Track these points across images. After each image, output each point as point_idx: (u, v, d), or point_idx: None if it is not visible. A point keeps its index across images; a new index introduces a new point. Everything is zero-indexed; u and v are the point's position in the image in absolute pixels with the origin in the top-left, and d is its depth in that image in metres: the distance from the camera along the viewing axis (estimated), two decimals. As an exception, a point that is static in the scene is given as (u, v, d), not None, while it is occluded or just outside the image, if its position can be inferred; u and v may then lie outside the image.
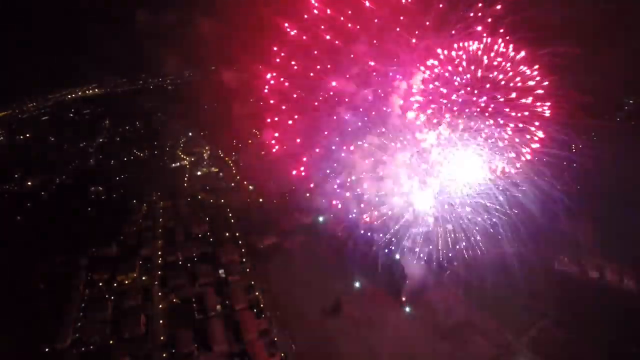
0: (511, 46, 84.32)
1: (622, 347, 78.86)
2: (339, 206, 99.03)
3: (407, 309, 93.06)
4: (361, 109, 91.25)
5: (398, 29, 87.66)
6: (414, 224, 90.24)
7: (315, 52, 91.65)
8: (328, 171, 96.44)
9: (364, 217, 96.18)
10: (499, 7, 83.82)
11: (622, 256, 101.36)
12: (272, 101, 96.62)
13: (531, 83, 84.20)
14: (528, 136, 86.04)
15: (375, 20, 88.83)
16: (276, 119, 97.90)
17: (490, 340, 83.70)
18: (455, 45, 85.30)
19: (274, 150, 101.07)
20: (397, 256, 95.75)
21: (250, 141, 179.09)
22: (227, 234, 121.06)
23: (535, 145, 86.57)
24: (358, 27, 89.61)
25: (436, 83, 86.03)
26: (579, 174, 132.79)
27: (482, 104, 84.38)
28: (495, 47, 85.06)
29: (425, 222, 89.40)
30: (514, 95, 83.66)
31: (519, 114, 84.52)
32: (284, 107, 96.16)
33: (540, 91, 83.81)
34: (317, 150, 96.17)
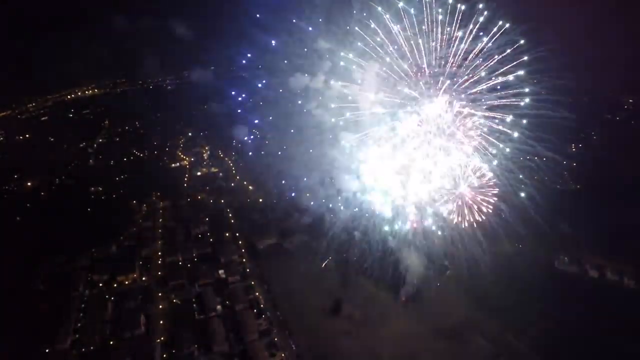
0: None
1: (622, 347, 78.89)
2: (328, 204, 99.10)
3: (407, 309, 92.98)
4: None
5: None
6: (398, 221, 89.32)
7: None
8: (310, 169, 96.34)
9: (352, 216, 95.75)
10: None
11: (622, 255, 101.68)
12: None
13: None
14: (517, 133, 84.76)
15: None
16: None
17: (490, 341, 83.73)
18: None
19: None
20: (395, 256, 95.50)
21: (248, 140, 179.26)
22: (227, 234, 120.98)
23: (525, 146, 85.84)
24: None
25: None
26: (579, 173, 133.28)
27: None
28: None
29: (406, 219, 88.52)
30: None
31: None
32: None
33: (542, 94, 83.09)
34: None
